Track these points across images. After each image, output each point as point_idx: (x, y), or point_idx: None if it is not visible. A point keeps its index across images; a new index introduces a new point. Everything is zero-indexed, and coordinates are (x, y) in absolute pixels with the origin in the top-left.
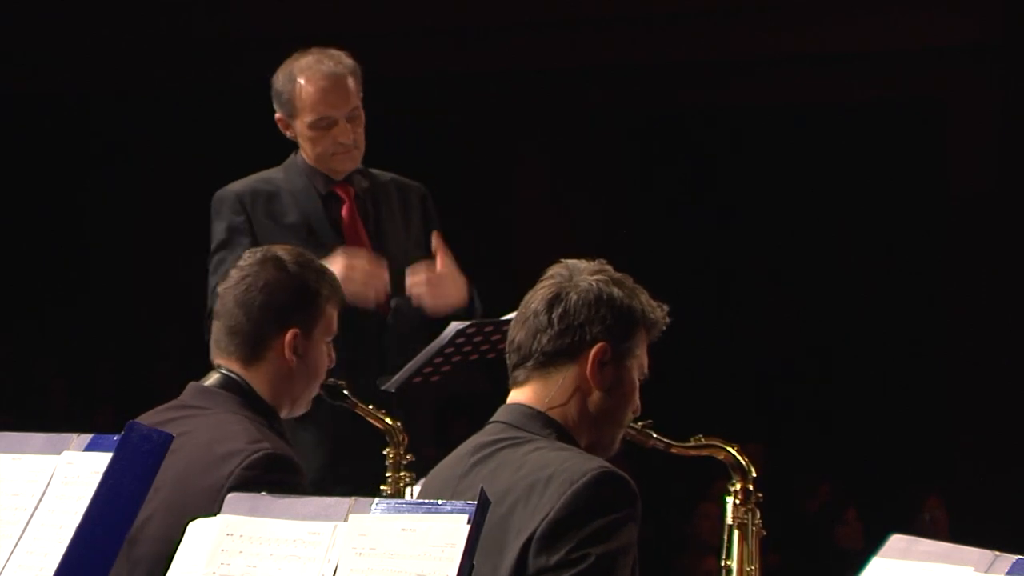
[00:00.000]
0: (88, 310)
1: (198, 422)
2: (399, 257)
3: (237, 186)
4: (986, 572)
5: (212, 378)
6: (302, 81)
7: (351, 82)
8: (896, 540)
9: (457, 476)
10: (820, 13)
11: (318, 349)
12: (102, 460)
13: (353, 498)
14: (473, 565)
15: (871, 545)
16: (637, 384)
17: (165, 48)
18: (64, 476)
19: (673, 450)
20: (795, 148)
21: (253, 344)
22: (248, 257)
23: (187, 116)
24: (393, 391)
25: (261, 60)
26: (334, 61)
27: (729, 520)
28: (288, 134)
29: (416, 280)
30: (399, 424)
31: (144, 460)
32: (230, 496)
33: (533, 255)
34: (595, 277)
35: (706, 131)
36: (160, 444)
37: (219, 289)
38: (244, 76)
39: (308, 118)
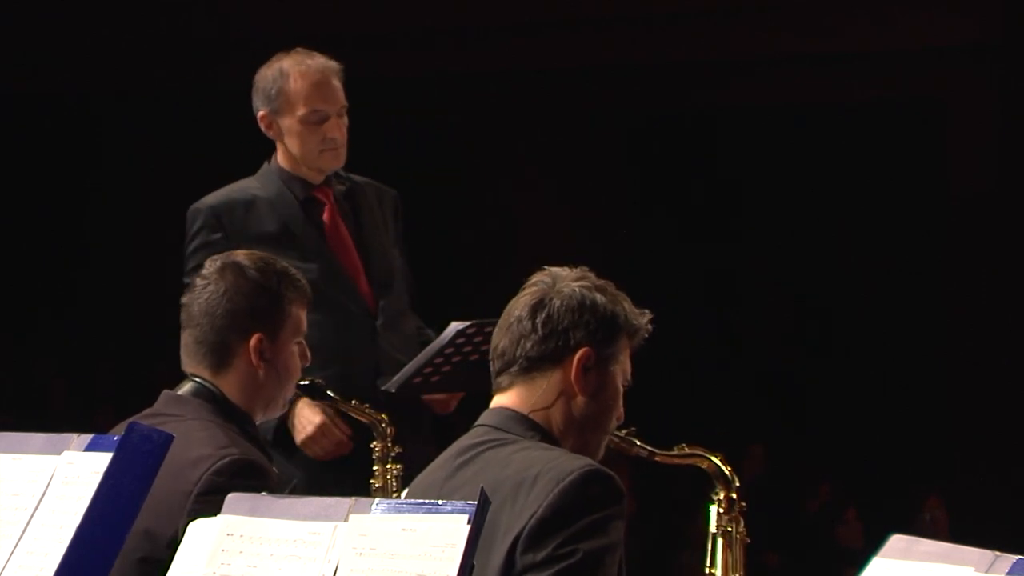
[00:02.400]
0: (88, 310)
1: (170, 429)
2: (381, 255)
3: (212, 199)
4: (986, 572)
5: (185, 387)
6: (294, 76)
7: (338, 80)
8: (896, 540)
9: (442, 479)
10: (820, 13)
11: (287, 351)
12: (102, 460)
13: (353, 498)
14: (473, 565)
15: (871, 545)
16: (621, 391)
17: (165, 48)
18: (64, 476)
19: (657, 458)
20: (795, 148)
21: (219, 352)
22: (209, 265)
23: (187, 116)
24: (393, 391)
25: (261, 60)
26: (323, 59)
27: (713, 528)
28: (270, 133)
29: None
30: (384, 417)
31: (144, 460)
32: (230, 496)
33: (533, 255)
34: (578, 283)
35: (706, 131)
36: (160, 444)
37: (183, 299)
38: (244, 76)
39: (300, 111)
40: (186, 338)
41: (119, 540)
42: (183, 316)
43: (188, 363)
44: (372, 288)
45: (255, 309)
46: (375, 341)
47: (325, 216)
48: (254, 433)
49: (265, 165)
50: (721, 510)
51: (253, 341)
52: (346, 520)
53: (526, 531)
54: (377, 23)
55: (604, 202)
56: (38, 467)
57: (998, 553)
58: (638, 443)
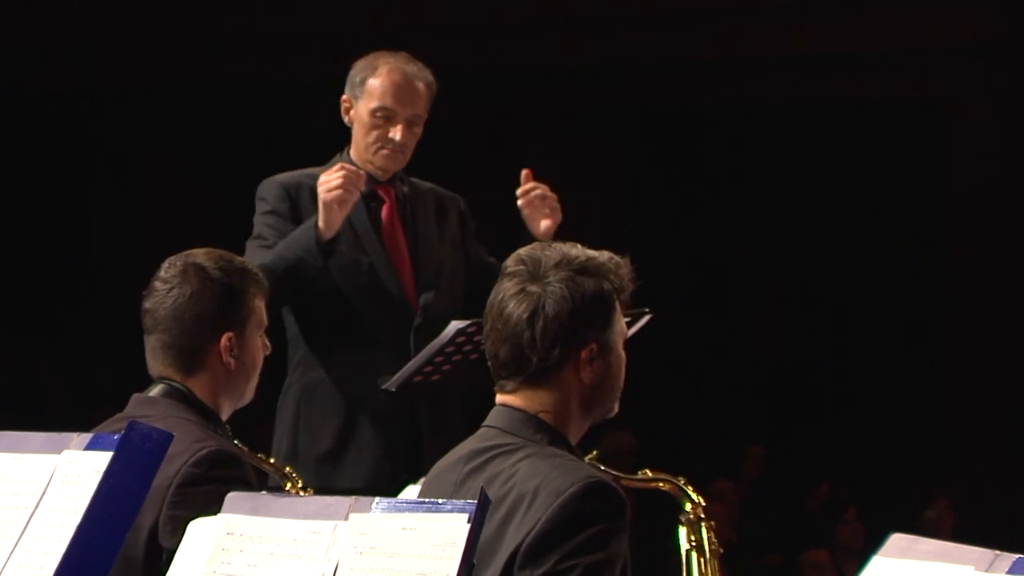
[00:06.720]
0: (88, 310)
1: None
2: (432, 262)
3: (283, 177)
4: (986, 571)
5: (154, 389)
6: (381, 70)
7: (423, 89)
8: (896, 539)
9: (454, 484)
10: (820, 13)
11: (253, 344)
12: (102, 459)
13: (353, 497)
14: (473, 564)
15: (871, 545)
16: (623, 354)
17: (166, 48)
18: (65, 475)
19: (622, 482)
20: (795, 148)
21: (190, 355)
22: (169, 268)
23: (187, 116)
24: (394, 390)
25: (260, 60)
26: (417, 67)
27: (685, 546)
28: (346, 119)
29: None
30: (289, 469)
31: (144, 459)
32: (231, 495)
33: None
34: (562, 281)
35: (707, 131)
36: (160, 443)
37: (146, 304)
38: (244, 76)
39: (372, 104)
40: (153, 342)
41: (119, 539)
42: (147, 321)
43: (155, 367)
44: (417, 288)
45: (223, 310)
46: (410, 338)
47: (383, 212)
48: (223, 431)
49: (337, 156)
50: (688, 529)
51: (223, 341)
52: (346, 519)
53: (525, 546)
54: (377, 23)
55: (604, 201)
56: (38, 466)
57: (998, 552)
58: (602, 468)
